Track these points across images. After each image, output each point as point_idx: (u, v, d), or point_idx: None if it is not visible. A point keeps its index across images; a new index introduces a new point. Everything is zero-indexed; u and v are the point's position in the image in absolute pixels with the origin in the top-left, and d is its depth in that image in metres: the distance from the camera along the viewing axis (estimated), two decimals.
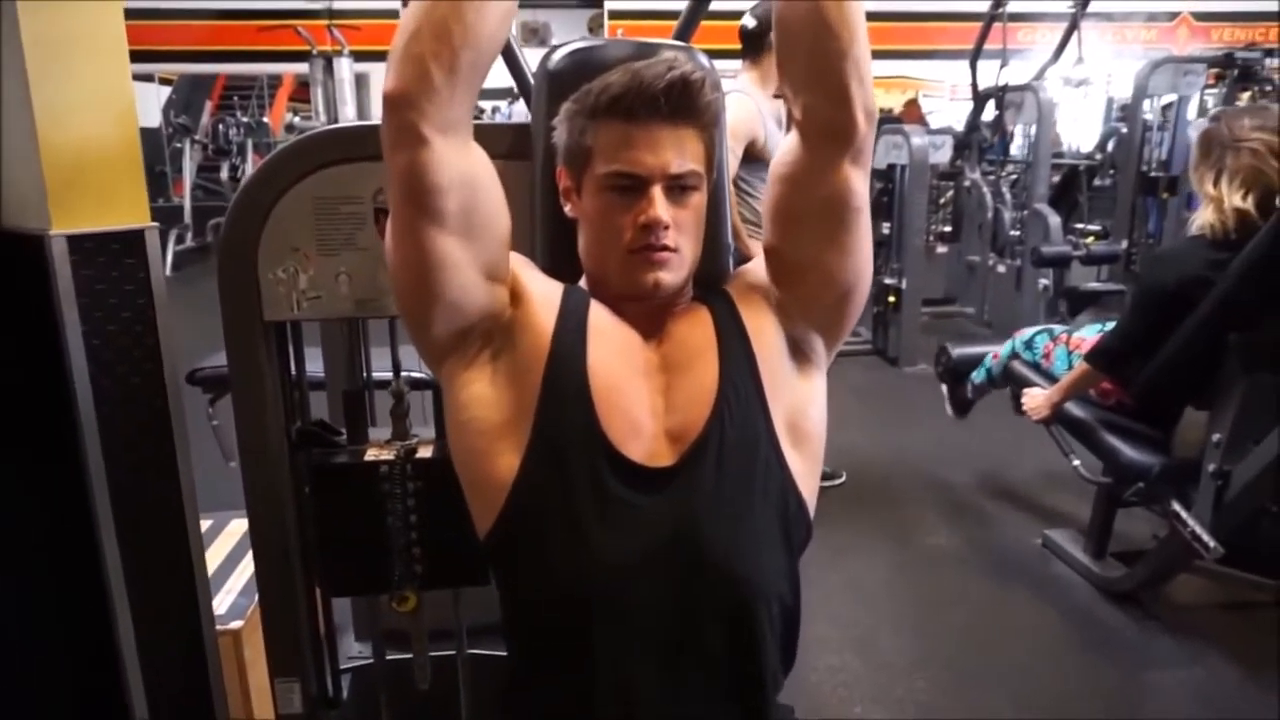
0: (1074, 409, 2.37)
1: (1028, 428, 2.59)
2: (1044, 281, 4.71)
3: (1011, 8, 5.16)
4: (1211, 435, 2.08)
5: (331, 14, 8.18)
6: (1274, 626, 2.34)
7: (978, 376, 2.87)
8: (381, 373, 1.41)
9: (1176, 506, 2.14)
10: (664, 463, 0.88)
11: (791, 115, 0.94)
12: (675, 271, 0.93)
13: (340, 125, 1.20)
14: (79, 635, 1.25)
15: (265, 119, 10.79)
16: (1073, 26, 5.23)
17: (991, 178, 5.62)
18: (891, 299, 4.75)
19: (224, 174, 9.63)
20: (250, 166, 9.02)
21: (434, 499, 1.19)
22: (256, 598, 1.32)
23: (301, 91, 8.50)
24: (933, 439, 3.63)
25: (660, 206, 0.90)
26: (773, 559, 0.91)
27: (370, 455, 1.21)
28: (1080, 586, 2.57)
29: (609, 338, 0.93)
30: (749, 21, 2.81)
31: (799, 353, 0.97)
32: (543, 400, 0.89)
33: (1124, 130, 5.42)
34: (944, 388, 3.11)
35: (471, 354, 0.93)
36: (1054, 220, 4.83)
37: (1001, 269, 5.26)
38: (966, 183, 5.67)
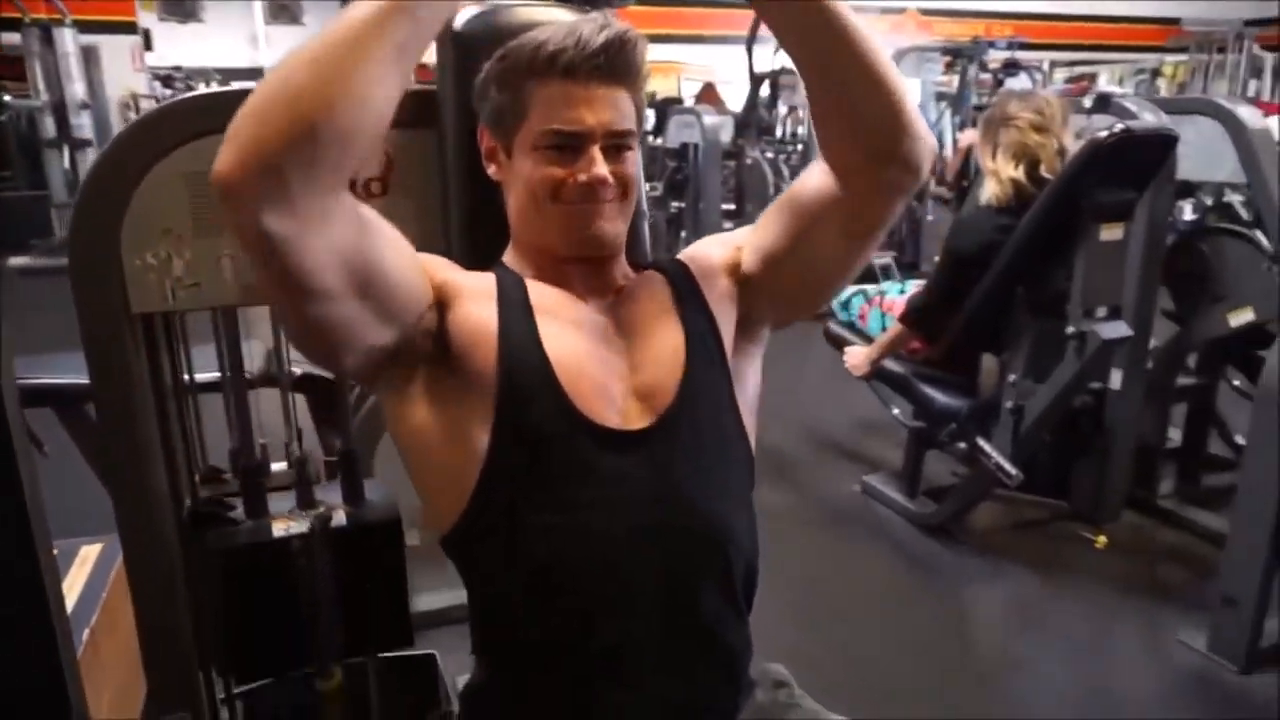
0: (890, 364, 2.60)
1: (843, 382, 2.81)
2: None
3: None
4: (1008, 376, 2.36)
5: None
6: (1056, 537, 2.72)
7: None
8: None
9: (982, 442, 2.42)
10: (638, 425, 0.88)
11: (833, 164, 0.87)
12: (614, 222, 0.92)
13: (216, 90, 1.07)
14: None
15: None
16: None
17: (770, 156, 5.98)
18: None
19: None
20: None
21: (352, 566, 1.11)
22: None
23: (6, 67, 7.35)
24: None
25: (601, 165, 0.88)
26: (745, 516, 0.93)
27: (279, 530, 1.11)
28: (898, 524, 2.83)
29: (557, 311, 0.91)
30: None
31: (746, 331, 0.99)
32: (503, 389, 0.85)
33: None
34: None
35: (404, 374, 0.87)
36: None
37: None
38: (748, 160, 5.99)
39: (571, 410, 0.85)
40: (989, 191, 2.41)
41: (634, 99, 0.92)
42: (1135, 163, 2.10)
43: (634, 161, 0.93)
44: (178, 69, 9.22)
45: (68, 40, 6.87)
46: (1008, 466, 2.35)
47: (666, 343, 0.91)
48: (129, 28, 7.77)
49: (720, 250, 1.00)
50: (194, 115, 1.02)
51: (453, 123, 1.05)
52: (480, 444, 0.84)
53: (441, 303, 0.87)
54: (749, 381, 0.98)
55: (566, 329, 0.89)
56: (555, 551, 0.84)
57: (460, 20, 1.08)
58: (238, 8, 10.83)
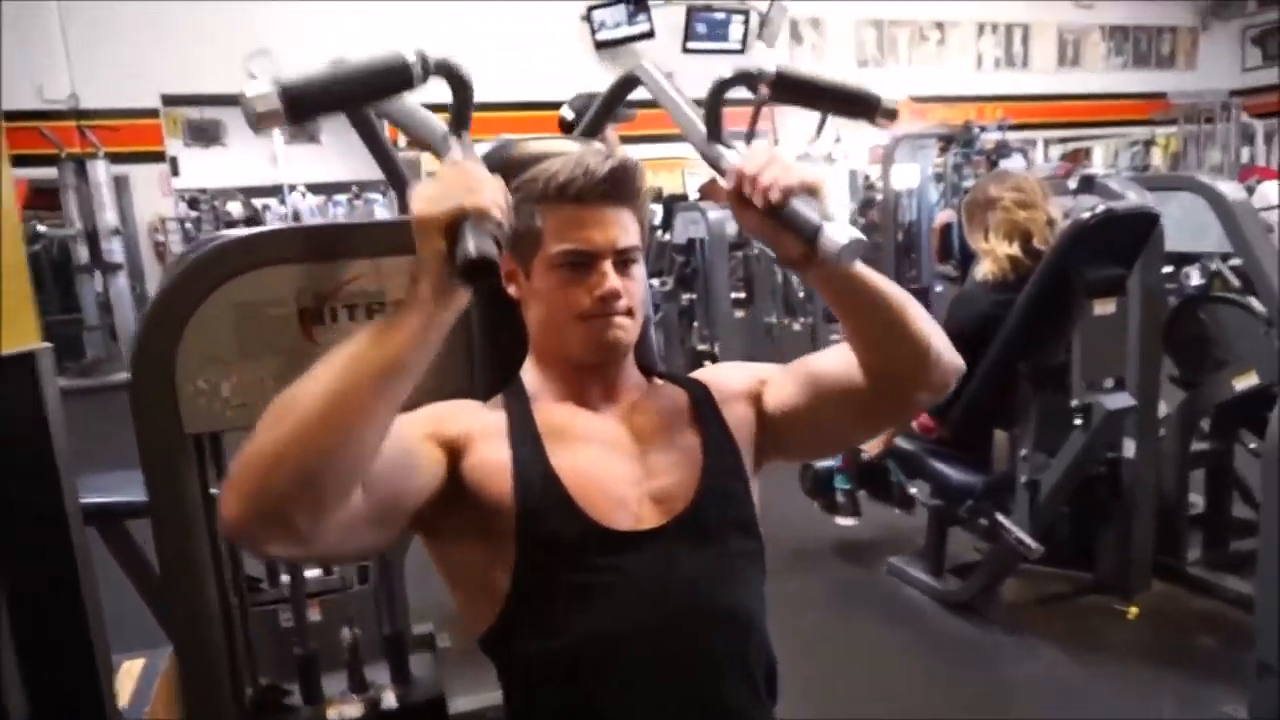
0: (903, 443, 2.64)
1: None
2: (835, 335, 5.18)
3: None
4: (1019, 451, 2.40)
5: (79, 114, 7.56)
6: (1085, 609, 2.70)
7: (840, 483, 2.96)
8: None
9: (1000, 517, 2.44)
10: (648, 525, 0.93)
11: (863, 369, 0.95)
12: (628, 331, 1.00)
13: (255, 230, 1.18)
14: None
15: None
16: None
17: None
18: (707, 364, 5.02)
19: None
20: None
21: None
22: None
23: (40, 198, 7.72)
24: (768, 491, 3.84)
25: (613, 278, 0.97)
26: (759, 608, 0.98)
27: (332, 715, 1.18)
28: (926, 604, 2.82)
29: (565, 431, 0.97)
30: (567, 113, 2.97)
31: (755, 459, 1.06)
32: (521, 514, 0.91)
33: (879, 196, 6.15)
34: (818, 504, 3.10)
35: (431, 519, 0.93)
36: None
37: (797, 327, 5.74)
38: (754, 252, 6.15)
39: (583, 519, 0.91)
40: (985, 269, 2.50)
41: (637, 217, 1.01)
42: (1120, 240, 2.19)
43: (641, 274, 1.02)
44: (203, 191, 9.63)
45: (100, 171, 7.21)
46: (1028, 540, 2.36)
47: (684, 450, 0.98)
48: (157, 156, 8.15)
49: (741, 377, 1.08)
50: (241, 252, 1.12)
51: None
52: (507, 563, 0.91)
53: (454, 454, 0.94)
54: (756, 494, 1.05)
55: (575, 446, 0.96)
56: (581, 650, 0.89)
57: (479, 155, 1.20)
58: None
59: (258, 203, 11.42)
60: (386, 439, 0.78)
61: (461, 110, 0.93)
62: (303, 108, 0.80)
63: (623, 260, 0.99)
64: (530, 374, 1.05)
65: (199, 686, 1.15)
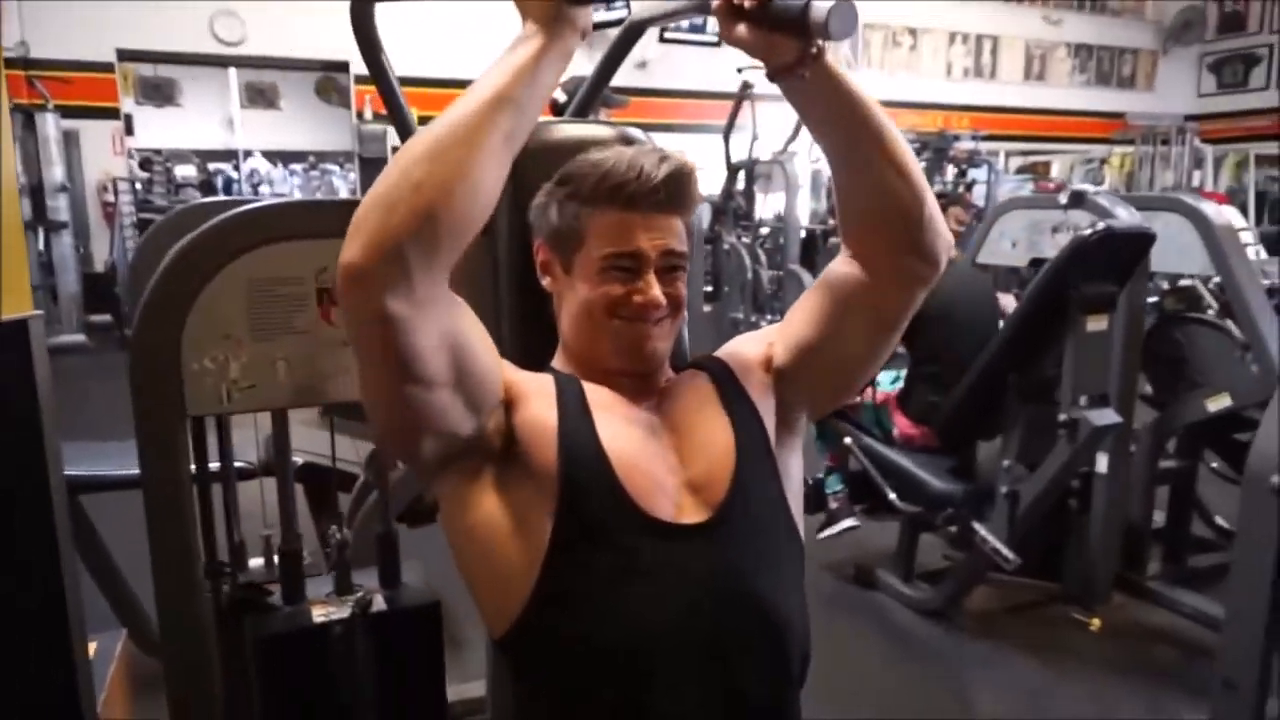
0: (885, 452, 2.65)
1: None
2: None
3: (760, 89, 5.74)
4: (1003, 461, 2.42)
5: (28, 63, 7.22)
6: (1051, 619, 2.75)
7: (832, 485, 2.88)
8: None
9: (978, 526, 2.46)
10: (693, 518, 0.90)
11: (855, 252, 0.95)
12: (666, 341, 0.97)
13: (277, 201, 1.11)
14: None
15: None
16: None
17: (746, 241, 6.14)
18: None
19: None
20: None
21: (391, 651, 1.11)
22: None
23: None
24: None
25: (656, 288, 0.93)
26: (800, 603, 0.95)
27: (318, 615, 1.11)
28: (894, 608, 2.84)
29: (611, 410, 0.94)
30: (560, 96, 2.90)
31: (785, 421, 1.02)
32: (564, 485, 0.87)
33: None
34: (822, 519, 2.91)
35: (473, 467, 0.90)
36: (808, 278, 5.38)
37: (764, 324, 5.74)
38: (725, 246, 6.14)
39: (628, 503, 0.87)
40: None
41: (686, 224, 0.97)
42: (1116, 258, 2.22)
43: (684, 281, 0.98)
44: (158, 152, 9.29)
45: (49, 125, 6.91)
46: (1005, 552, 2.39)
47: (715, 437, 0.95)
48: (110, 113, 7.84)
49: (754, 346, 1.05)
50: (255, 226, 1.05)
51: (505, 231, 1.09)
52: (542, 537, 0.86)
53: (509, 401, 0.91)
54: (794, 472, 1.02)
55: (621, 426, 0.93)
56: (614, 642, 0.86)
57: None
58: (214, 92, 10.99)
59: (295, 199, 11.08)
60: (475, 318, 0.84)
61: None
62: None
63: (669, 266, 0.95)
64: (562, 369, 1.00)
65: (185, 685, 1.09)
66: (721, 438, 0.95)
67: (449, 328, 0.80)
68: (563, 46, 0.81)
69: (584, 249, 0.94)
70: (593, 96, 1.51)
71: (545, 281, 1.00)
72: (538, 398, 0.92)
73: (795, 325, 1.01)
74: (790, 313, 1.04)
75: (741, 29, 0.81)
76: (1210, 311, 2.81)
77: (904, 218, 0.89)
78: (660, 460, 0.92)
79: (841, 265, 0.96)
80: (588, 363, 0.98)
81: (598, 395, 0.95)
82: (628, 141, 1.10)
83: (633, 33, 1.26)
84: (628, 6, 1.24)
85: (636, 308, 0.93)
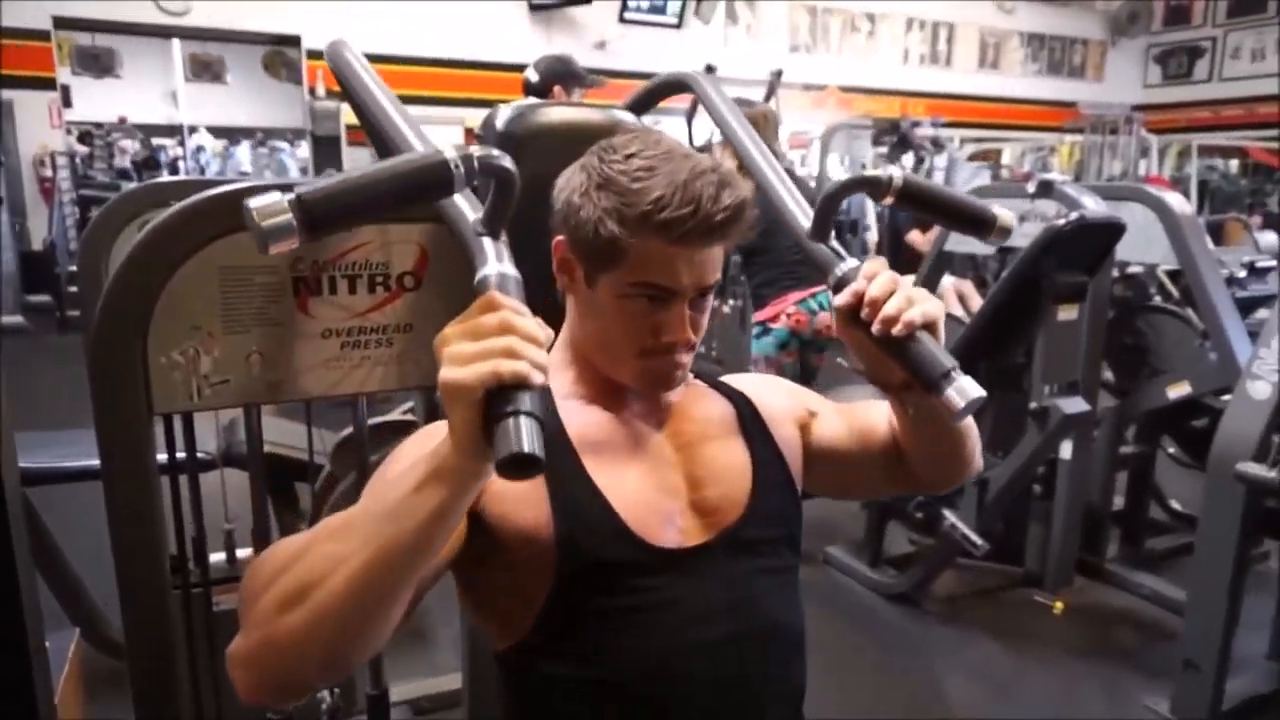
0: None
1: None
2: None
3: (722, 72, 5.69)
4: None
5: None
6: (1015, 603, 2.79)
7: None
8: None
9: (947, 513, 2.48)
10: (699, 539, 0.87)
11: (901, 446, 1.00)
12: (686, 368, 0.92)
13: (248, 183, 1.04)
14: None
15: None
16: (771, 91, 5.91)
17: None
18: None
19: None
20: None
21: None
22: None
23: None
24: None
25: (686, 325, 0.87)
26: (800, 622, 0.93)
27: None
28: (862, 593, 2.86)
29: (601, 441, 0.89)
30: (532, 75, 2.84)
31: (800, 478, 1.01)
32: (561, 529, 0.82)
33: (812, 183, 6.19)
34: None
35: (456, 558, 0.83)
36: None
37: (726, 309, 5.73)
38: None
39: (628, 535, 0.84)
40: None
41: (727, 249, 0.90)
42: (1088, 248, 2.23)
43: (710, 304, 0.92)
44: (99, 126, 8.95)
45: None
46: (974, 538, 2.41)
47: (731, 461, 0.91)
48: (45, 83, 7.49)
49: (787, 401, 1.02)
50: (227, 209, 0.98)
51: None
52: (539, 589, 0.82)
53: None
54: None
55: (613, 458, 0.88)
56: (622, 670, 0.82)
57: (501, 120, 1.09)
58: (157, 64, 10.60)
59: (273, 180, 10.75)
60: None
61: (500, 210, 0.79)
62: (324, 222, 0.64)
63: (700, 293, 0.88)
64: (559, 370, 0.94)
65: (152, 683, 1.03)
66: (738, 462, 0.92)
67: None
68: (480, 484, 0.66)
69: (616, 268, 0.85)
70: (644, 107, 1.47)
71: (560, 281, 0.92)
72: None
73: (843, 430, 1.03)
74: (835, 410, 1.05)
75: (859, 336, 0.83)
76: (1157, 299, 2.88)
77: (953, 481, 1.01)
78: (662, 483, 0.88)
79: (887, 430, 1.01)
80: (600, 379, 0.93)
81: (586, 426, 0.89)
82: (620, 127, 1.06)
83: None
84: None
85: (666, 346, 0.87)
